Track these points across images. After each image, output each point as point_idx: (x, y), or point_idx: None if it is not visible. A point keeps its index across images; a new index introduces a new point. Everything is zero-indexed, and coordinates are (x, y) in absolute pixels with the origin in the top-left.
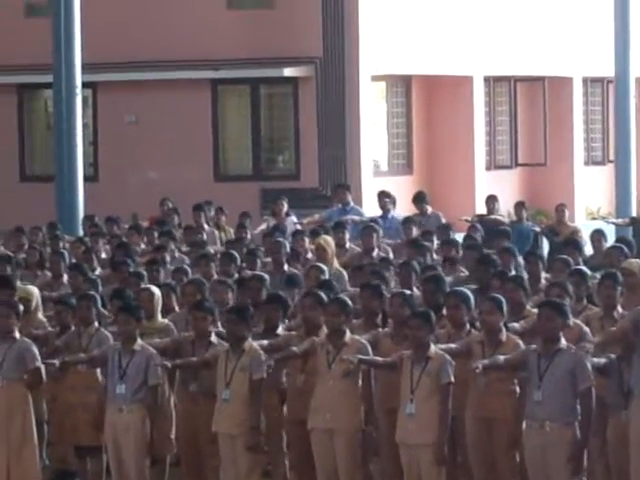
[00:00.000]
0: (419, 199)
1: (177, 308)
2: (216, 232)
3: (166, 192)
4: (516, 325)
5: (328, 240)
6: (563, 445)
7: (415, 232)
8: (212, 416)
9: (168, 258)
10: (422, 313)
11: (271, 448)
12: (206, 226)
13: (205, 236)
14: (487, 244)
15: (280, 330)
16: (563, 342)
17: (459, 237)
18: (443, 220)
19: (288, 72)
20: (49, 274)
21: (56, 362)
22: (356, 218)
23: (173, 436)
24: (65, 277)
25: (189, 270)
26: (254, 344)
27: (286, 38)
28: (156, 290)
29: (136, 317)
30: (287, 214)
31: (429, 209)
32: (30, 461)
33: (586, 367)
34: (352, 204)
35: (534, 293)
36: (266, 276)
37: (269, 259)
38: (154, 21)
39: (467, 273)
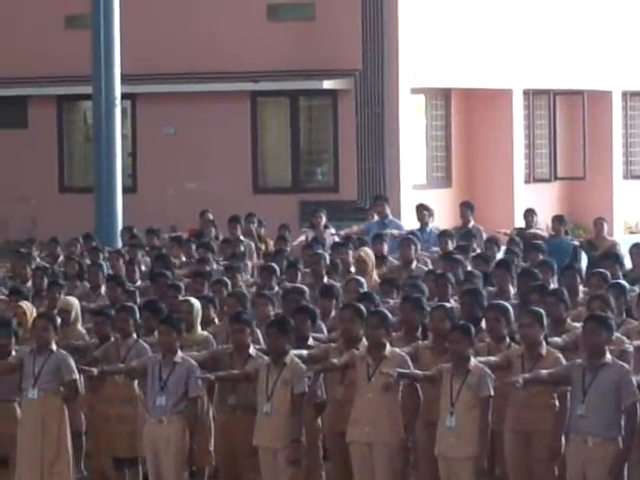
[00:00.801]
0: (467, 206)
1: (216, 320)
2: (252, 244)
3: (204, 204)
4: (558, 339)
5: (368, 252)
6: (605, 460)
7: (451, 245)
8: (250, 429)
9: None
10: (462, 326)
11: (308, 460)
12: (243, 238)
13: (242, 248)
14: (523, 258)
15: (310, 341)
16: (608, 356)
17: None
18: (484, 234)
19: (327, 84)
20: (87, 285)
21: (94, 370)
22: (395, 231)
23: (212, 448)
24: (103, 288)
25: (228, 282)
26: (295, 357)
27: (326, 50)
28: (195, 302)
29: (177, 329)
30: (326, 226)
31: (472, 222)
32: (63, 474)
33: (631, 382)
34: (390, 217)
35: (572, 307)
36: (306, 288)
37: (307, 270)
38: (194, 33)
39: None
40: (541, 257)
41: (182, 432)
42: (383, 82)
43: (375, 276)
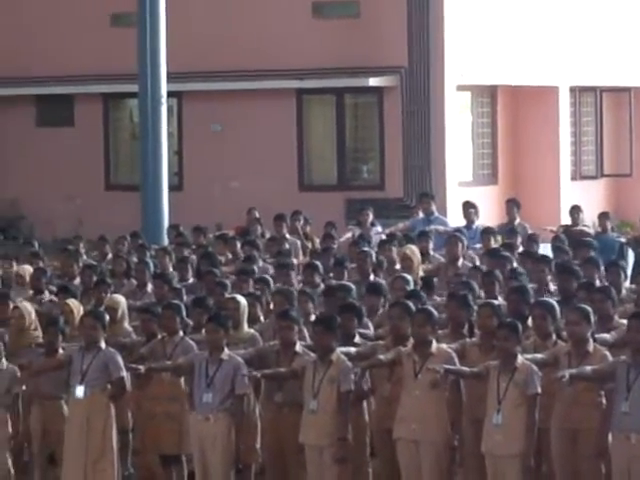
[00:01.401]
0: (513, 203)
1: (262, 318)
2: (298, 242)
3: (250, 202)
4: (606, 336)
5: (414, 250)
6: None
7: (493, 243)
8: (297, 426)
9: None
10: (510, 324)
11: (354, 458)
12: (288, 236)
13: (288, 246)
14: (572, 255)
15: (357, 339)
16: None
17: (544, 248)
18: (529, 231)
19: (373, 82)
20: (134, 283)
21: (142, 368)
22: (440, 228)
23: (258, 446)
24: (149, 286)
25: (271, 280)
26: (341, 355)
27: (371, 47)
28: (242, 299)
29: (224, 326)
30: (372, 224)
31: (518, 219)
32: (107, 472)
33: None
34: (436, 214)
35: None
36: (352, 286)
37: (352, 267)
38: (239, 31)
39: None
40: (592, 254)
41: (228, 429)
42: (429, 79)
43: (421, 273)
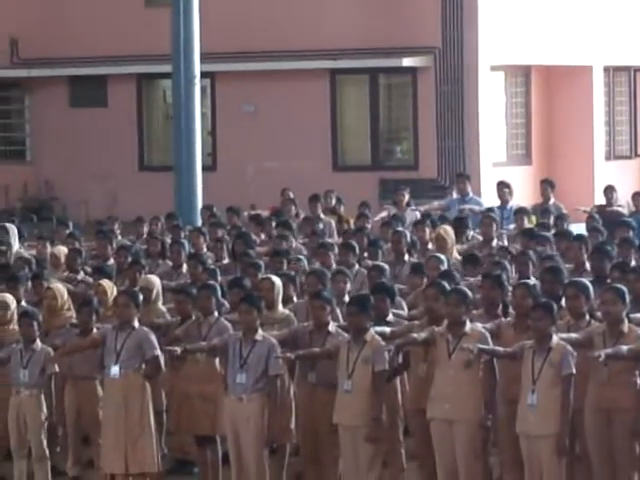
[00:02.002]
0: (547, 183)
1: (295, 298)
2: (333, 222)
3: (284, 182)
4: None
5: (448, 230)
6: None
7: (527, 223)
8: (331, 406)
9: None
10: (544, 304)
11: (388, 437)
12: (323, 216)
13: (322, 226)
14: (608, 235)
15: (390, 318)
16: None
17: (577, 228)
18: (564, 211)
19: (407, 62)
20: (169, 264)
21: (177, 349)
22: (475, 207)
23: (292, 426)
24: (185, 267)
25: (305, 260)
26: (376, 335)
27: (405, 28)
28: (277, 280)
29: (257, 307)
30: (408, 204)
31: (552, 199)
32: (147, 450)
33: None
34: (471, 194)
35: None
36: (386, 266)
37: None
38: (273, 11)
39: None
40: (629, 234)
41: (262, 410)
42: (463, 59)
43: (455, 253)
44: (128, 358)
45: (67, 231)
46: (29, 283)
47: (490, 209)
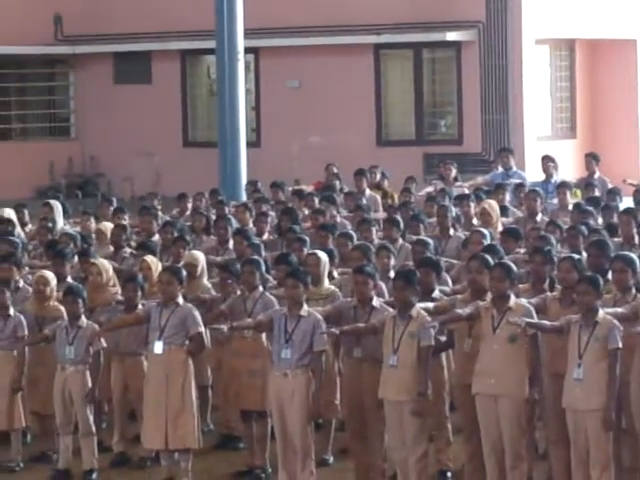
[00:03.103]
0: (592, 157)
1: (336, 273)
2: (378, 197)
3: (328, 157)
4: None
5: (492, 204)
6: None
7: (569, 197)
8: (376, 381)
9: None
10: (590, 278)
11: (434, 412)
12: (368, 191)
13: (365, 201)
14: None
15: (436, 293)
16: None
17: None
18: (609, 185)
19: (451, 36)
20: (214, 239)
21: (224, 327)
22: (516, 181)
23: (337, 401)
24: (231, 242)
25: (354, 235)
26: (421, 310)
27: (449, 2)
28: (323, 255)
29: (304, 282)
30: (455, 179)
31: (597, 173)
32: (188, 427)
33: None
34: (515, 168)
35: None
36: (430, 240)
37: (431, 222)
38: None
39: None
40: None
41: (306, 386)
42: (507, 33)
43: (500, 227)
44: (172, 334)
45: (111, 208)
46: (75, 259)
47: (535, 184)
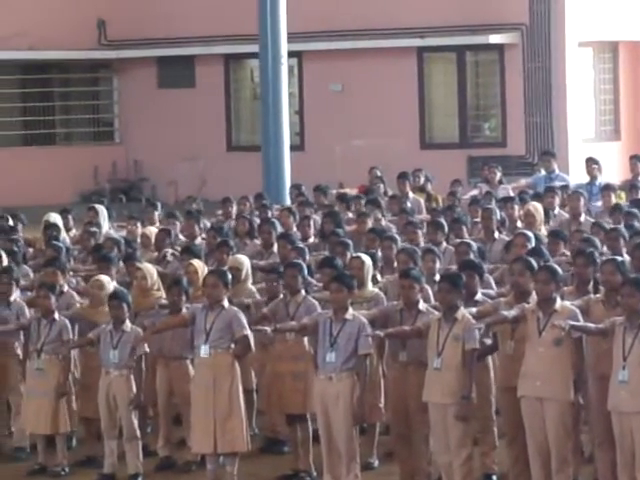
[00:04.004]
0: (636, 159)
1: (379, 276)
2: (422, 200)
3: (372, 160)
4: None
5: (537, 206)
6: None
7: (614, 199)
8: (421, 385)
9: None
10: (635, 280)
11: (480, 415)
12: (411, 194)
13: (410, 204)
14: None
15: (479, 296)
16: None
17: None
18: None
19: (494, 39)
20: (258, 243)
21: (268, 329)
22: (558, 184)
23: (382, 405)
24: (275, 247)
25: (398, 238)
26: (466, 313)
27: (492, 5)
28: (367, 258)
29: (348, 286)
30: (500, 182)
31: None
32: (236, 430)
33: None
34: (557, 171)
35: None
36: (473, 243)
37: (476, 223)
38: None
39: None
40: None
41: (351, 389)
42: (550, 35)
43: (544, 230)
44: (218, 338)
45: (156, 212)
46: (120, 264)
47: (579, 186)
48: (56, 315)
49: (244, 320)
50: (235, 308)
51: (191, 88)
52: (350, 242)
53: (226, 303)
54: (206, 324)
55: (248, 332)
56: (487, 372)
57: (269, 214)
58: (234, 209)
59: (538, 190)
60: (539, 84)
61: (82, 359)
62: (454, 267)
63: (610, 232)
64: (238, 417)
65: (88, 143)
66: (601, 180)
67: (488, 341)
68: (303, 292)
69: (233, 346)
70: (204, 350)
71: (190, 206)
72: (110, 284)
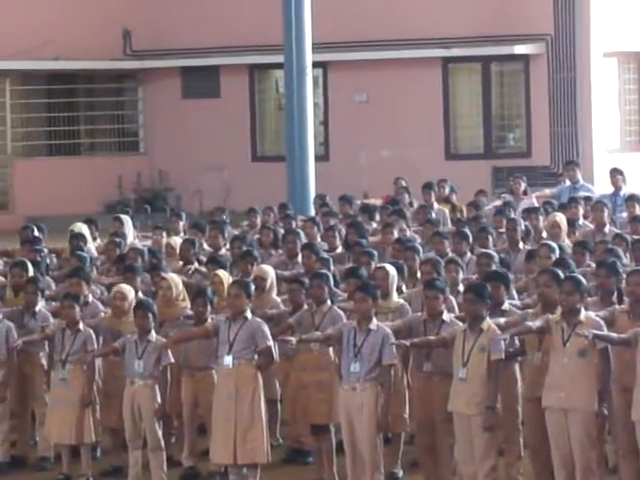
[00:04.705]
0: None
1: (404, 288)
2: (446, 211)
3: (396, 171)
4: None
5: (562, 217)
6: None
7: (638, 209)
8: (446, 395)
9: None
10: None
11: (506, 425)
12: (436, 205)
13: (434, 214)
14: None
15: (505, 307)
16: None
17: None
18: None
19: (519, 49)
20: (283, 253)
21: (293, 340)
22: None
23: (406, 415)
24: (300, 257)
25: (421, 249)
26: (492, 324)
27: (517, 15)
28: (391, 269)
29: (373, 296)
30: (525, 192)
31: None
32: (257, 441)
33: None
34: (582, 181)
35: None
36: (495, 254)
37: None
38: (384, 0)
39: None
40: None
41: (375, 399)
42: (575, 46)
43: (567, 241)
44: (241, 349)
45: (181, 222)
46: (145, 274)
47: (603, 196)
48: (81, 325)
49: (267, 331)
50: (258, 319)
51: (216, 98)
52: (375, 252)
53: (249, 314)
54: (229, 335)
55: (271, 343)
56: (514, 382)
57: (293, 224)
58: (258, 219)
59: (562, 200)
60: (564, 94)
61: (106, 368)
62: (473, 276)
63: (635, 243)
64: (259, 428)
65: (113, 153)
66: (626, 191)
67: (511, 349)
68: (329, 302)
69: (256, 357)
70: (227, 361)
71: (220, 217)
72: (132, 293)
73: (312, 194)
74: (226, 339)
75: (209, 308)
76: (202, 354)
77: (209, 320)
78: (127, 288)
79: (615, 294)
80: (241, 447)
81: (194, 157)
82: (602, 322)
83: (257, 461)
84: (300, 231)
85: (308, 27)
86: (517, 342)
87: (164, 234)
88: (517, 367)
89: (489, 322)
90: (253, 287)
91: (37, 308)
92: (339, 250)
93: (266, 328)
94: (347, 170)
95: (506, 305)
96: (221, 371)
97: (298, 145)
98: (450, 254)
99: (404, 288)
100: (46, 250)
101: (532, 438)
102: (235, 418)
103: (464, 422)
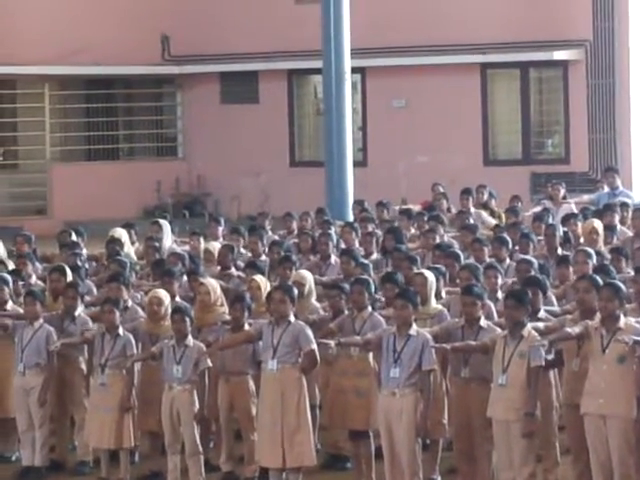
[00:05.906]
0: None
1: (443, 293)
2: (482, 212)
3: (435, 177)
4: None
5: (599, 223)
6: None
7: None
8: (485, 401)
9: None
10: None
11: (542, 432)
12: (474, 210)
13: (472, 220)
14: None
15: (542, 314)
16: None
17: None
18: None
19: (558, 55)
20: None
21: (332, 343)
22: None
23: (445, 421)
24: (333, 258)
25: (461, 254)
26: (532, 330)
27: (556, 21)
28: (430, 275)
29: (413, 302)
30: (564, 198)
31: None
32: (305, 445)
33: None
34: (621, 188)
35: None
36: (534, 260)
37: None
38: (422, 6)
39: None
40: None
41: (414, 405)
42: (614, 52)
43: (604, 248)
44: (285, 353)
45: (220, 227)
46: (183, 279)
47: None
48: (120, 330)
49: (310, 334)
50: (301, 323)
51: (254, 104)
52: (417, 257)
53: (292, 318)
54: (273, 339)
55: (315, 346)
56: (549, 388)
57: (331, 230)
58: (294, 224)
59: (600, 207)
60: (603, 100)
61: (144, 373)
62: (509, 281)
63: None
64: (306, 431)
65: (151, 158)
66: None
67: (550, 357)
68: (369, 308)
69: (300, 360)
70: (272, 365)
71: (262, 222)
72: (167, 298)
73: (350, 200)
74: (270, 343)
75: (247, 313)
76: (238, 359)
77: (246, 325)
78: (163, 293)
79: None
80: (289, 450)
81: (232, 162)
82: None
83: (305, 464)
84: (333, 233)
85: (347, 33)
86: (553, 350)
87: (201, 239)
88: (552, 373)
89: (529, 328)
90: (296, 292)
91: (76, 313)
92: (375, 256)
93: (309, 331)
94: (385, 176)
95: (542, 313)
96: (266, 376)
97: (336, 150)
98: (489, 260)
99: (444, 294)
100: (85, 255)
101: (572, 444)
102: (282, 422)
103: (503, 428)
